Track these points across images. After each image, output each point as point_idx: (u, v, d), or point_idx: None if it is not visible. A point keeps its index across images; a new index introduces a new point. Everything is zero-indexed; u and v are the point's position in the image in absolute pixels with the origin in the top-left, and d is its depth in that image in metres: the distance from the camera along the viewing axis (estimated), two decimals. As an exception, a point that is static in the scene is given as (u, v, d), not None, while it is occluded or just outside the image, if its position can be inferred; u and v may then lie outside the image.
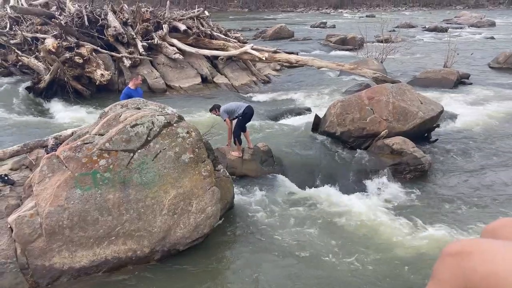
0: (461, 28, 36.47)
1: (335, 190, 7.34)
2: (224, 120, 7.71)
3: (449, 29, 32.88)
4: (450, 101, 12.51)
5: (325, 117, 9.28)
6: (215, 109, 7.76)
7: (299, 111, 11.48)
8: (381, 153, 8.08)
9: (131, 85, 7.76)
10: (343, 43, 25.34)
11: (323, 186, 7.44)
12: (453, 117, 11.00)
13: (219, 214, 5.61)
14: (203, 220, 5.31)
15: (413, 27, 37.43)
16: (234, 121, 7.76)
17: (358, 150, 8.41)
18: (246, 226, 6.07)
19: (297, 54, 18.79)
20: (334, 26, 38.10)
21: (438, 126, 9.54)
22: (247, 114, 7.67)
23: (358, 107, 8.79)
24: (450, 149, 9.14)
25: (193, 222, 5.23)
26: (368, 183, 7.54)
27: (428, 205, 6.91)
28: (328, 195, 7.13)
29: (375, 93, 8.97)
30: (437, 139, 9.40)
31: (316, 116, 9.51)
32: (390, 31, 26.94)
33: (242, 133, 7.81)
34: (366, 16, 52.32)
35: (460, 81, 15.16)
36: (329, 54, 23.19)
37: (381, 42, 20.39)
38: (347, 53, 23.34)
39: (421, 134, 9.15)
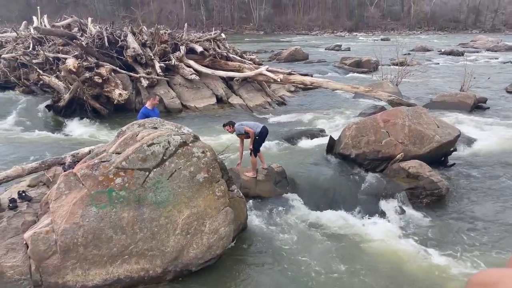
0: (477, 52, 36.29)
1: (349, 213, 7.23)
2: (245, 133, 7.55)
3: (465, 53, 32.76)
4: (467, 125, 12.37)
5: (339, 139, 9.24)
6: (229, 125, 7.67)
7: (313, 133, 11.46)
8: (396, 176, 7.97)
9: (148, 104, 7.88)
10: (358, 65, 25.42)
11: (337, 208, 7.34)
12: (470, 141, 10.84)
13: (232, 235, 5.58)
14: (216, 241, 5.28)
15: (428, 50, 37.40)
16: (247, 140, 7.78)
17: (373, 173, 8.33)
18: (259, 248, 6.00)
19: (312, 76, 18.91)
20: (349, 49, 38.32)
21: (455, 150, 9.41)
22: (263, 134, 7.70)
23: (373, 129, 8.74)
24: (468, 174, 8.97)
25: (206, 242, 5.20)
26: (383, 206, 7.42)
27: (446, 231, 6.74)
28: (342, 218, 7.03)
29: (391, 116, 8.92)
30: (454, 164, 9.25)
31: (331, 138, 9.47)
32: (405, 54, 26.97)
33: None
34: (381, 39, 52.55)
35: (477, 105, 15.00)
36: (344, 76, 23.26)
37: (396, 65, 20.41)
38: (362, 75, 23.37)
39: (438, 158, 9.02)
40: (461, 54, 33.02)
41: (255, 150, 7.63)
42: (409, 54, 29.03)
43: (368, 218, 7.08)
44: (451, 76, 22.44)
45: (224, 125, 7.81)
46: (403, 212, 7.29)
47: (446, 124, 9.32)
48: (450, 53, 34.27)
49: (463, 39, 50.79)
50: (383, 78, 18.52)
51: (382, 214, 7.25)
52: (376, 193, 7.69)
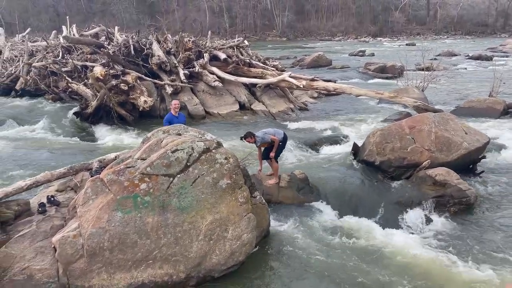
0: (506, 56, 35.26)
1: (374, 221, 7.12)
2: (269, 142, 7.46)
3: (494, 58, 31.88)
4: (496, 131, 12.00)
5: (363, 145, 9.14)
6: (250, 136, 7.37)
7: (336, 139, 11.37)
8: (423, 184, 7.80)
9: (172, 111, 7.99)
10: (383, 71, 25.11)
11: (361, 216, 7.23)
12: (500, 148, 10.51)
13: (254, 242, 5.58)
14: (238, 247, 5.29)
15: (455, 55, 36.58)
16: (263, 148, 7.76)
17: (398, 181, 8.19)
18: (281, 255, 5.97)
19: (335, 82, 18.79)
20: (373, 54, 37.92)
21: (484, 157, 9.14)
22: (285, 140, 7.73)
23: (398, 136, 8.60)
24: (497, 182, 8.69)
25: (228, 248, 5.22)
26: (409, 215, 7.26)
27: (475, 240, 6.53)
28: (366, 226, 6.92)
29: (417, 122, 8.76)
30: (483, 171, 8.98)
31: (355, 145, 9.38)
32: (431, 59, 26.47)
33: (267, 159, 7.83)
34: (406, 44, 51.76)
35: (507, 111, 14.53)
36: (368, 82, 23.03)
37: (422, 70, 20.04)
38: (386, 81, 23.07)
39: (466, 165, 8.78)
40: (489, 58, 32.16)
41: (276, 157, 7.62)
42: (435, 59, 28.44)
43: (393, 227, 6.94)
44: (479, 81, 21.86)
45: (244, 138, 7.41)
46: (429, 221, 7.12)
47: (474, 131, 9.08)
48: (478, 58, 33.42)
49: (491, 43, 49.48)
50: (408, 84, 18.23)
51: (408, 223, 7.10)
52: (402, 201, 7.55)
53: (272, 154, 7.52)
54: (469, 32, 70.81)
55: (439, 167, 7.96)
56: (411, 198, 7.55)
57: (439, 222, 7.09)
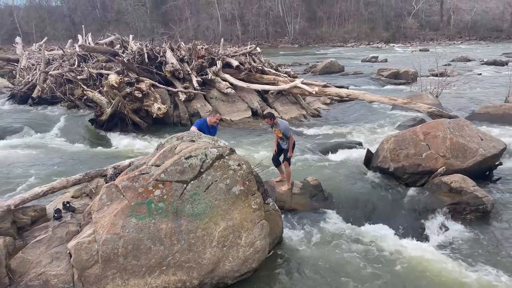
0: (523, 61, 34.69)
1: (388, 228, 7.01)
2: (288, 137, 7.37)
3: (510, 63, 31.39)
4: (513, 137, 11.79)
5: (377, 152, 9.07)
6: (270, 117, 7.30)
7: (349, 146, 11.30)
8: (438, 191, 7.69)
9: (208, 120, 7.28)
10: (396, 77, 24.95)
11: (375, 224, 7.15)
12: (517, 154, 10.32)
13: (267, 249, 5.55)
14: (252, 254, 5.27)
15: (470, 60, 36.12)
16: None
17: (413, 188, 8.10)
18: (295, 263, 5.94)
19: (348, 88, 18.72)
20: (385, 60, 37.68)
21: (500, 164, 8.97)
22: (293, 146, 7.68)
23: (413, 142, 8.52)
24: (515, 189, 8.53)
25: (242, 255, 5.21)
26: (424, 222, 7.15)
27: (492, 249, 6.40)
28: (380, 234, 6.84)
29: (431, 128, 8.67)
30: (499, 178, 8.82)
31: (368, 151, 9.31)
32: (445, 65, 26.22)
33: (277, 165, 7.86)
34: (419, 50, 51.28)
35: (524, 117, 14.27)
36: (381, 88, 22.90)
37: (436, 76, 19.85)
38: (400, 87, 22.92)
39: (482, 172, 8.64)
40: (505, 64, 31.68)
41: (289, 160, 7.60)
42: (449, 64, 28.13)
43: (408, 235, 6.85)
44: (494, 87, 21.55)
45: (264, 117, 7.75)
46: (445, 229, 7.00)
47: (490, 137, 8.94)
48: (493, 63, 32.94)
49: (506, 48, 48.75)
50: (422, 90, 18.07)
51: (423, 231, 7.00)
52: (416, 208, 7.45)
53: (290, 154, 7.49)
54: (483, 37, 69.94)
55: (455, 174, 7.85)
56: (426, 206, 7.45)
57: (455, 230, 6.97)
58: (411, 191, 7.98)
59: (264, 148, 11.08)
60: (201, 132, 6.45)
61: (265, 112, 7.54)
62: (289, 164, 7.63)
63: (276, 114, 15.48)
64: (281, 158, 7.72)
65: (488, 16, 71.00)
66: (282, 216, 6.52)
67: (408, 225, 7.14)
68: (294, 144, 7.61)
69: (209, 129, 7.18)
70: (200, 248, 5.03)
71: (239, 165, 5.36)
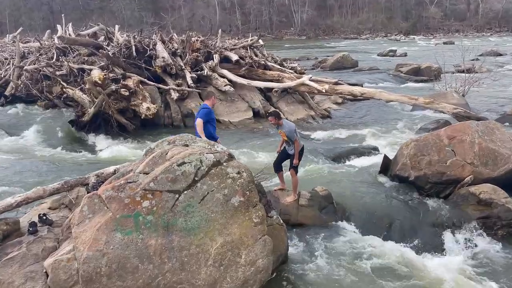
0: (561, 55, 34.73)
1: (408, 245, 7.02)
2: (293, 141, 7.39)
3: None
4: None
5: (396, 158, 9.07)
6: (275, 116, 7.38)
7: (364, 151, 11.30)
8: (465, 203, 7.68)
9: (209, 103, 7.73)
10: (417, 73, 24.98)
11: (393, 240, 7.15)
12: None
13: (271, 268, 5.53)
14: (252, 275, 5.26)
15: (500, 54, 36.17)
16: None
17: (436, 199, 8.09)
18: (301, 284, 5.92)
19: (362, 86, 18.73)
20: (405, 55, 37.76)
21: (536, 172, 8.96)
22: (302, 152, 7.68)
23: (436, 147, 8.51)
24: (553, 201, 8.49)
25: (241, 276, 5.19)
26: (448, 239, 7.14)
27: (527, 269, 6.38)
28: (399, 251, 6.82)
29: (457, 132, 8.67)
30: (535, 188, 8.80)
31: (385, 157, 9.31)
32: (472, 60, 26.21)
33: (277, 170, 7.87)
34: (444, 43, 51.42)
35: None
36: (399, 86, 22.92)
37: (463, 72, 19.86)
38: (421, 85, 22.96)
39: (515, 181, 8.62)
40: (541, 58, 31.69)
41: (295, 168, 7.59)
42: (477, 59, 28.16)
43: (431, 252, 6.84)
44: (529, 84, 21.55)
45: (269, 115, 7.68)
46: (473, 245, 6.99)
47: (524, 142, 8.92)
48: (528, 57, 32.99)
49: (543, 40, 48.78)
50: (446, 88, 18.06)
51: (448, 248, 6.99)
52: (440, 222, 7.43)
53: (296, 162, 7.48)
54: (516, 28, 70.06)
55: (484, 184, 7.83)
56: (451, 219, 7.43)
57: (484, 247, 6.94)
58: (434, 203, 7.95)
59: (267, 153, 11.07)
60: (194, 136, 6.46)
61: (270, 111, 7.55)
62: (296, 172, 7.63)
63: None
64: (284, 163, 7.72)
65: (521, 4, 71.16)
66: (288, 231, 6.50)
67: (430, 241, 7.12)
68: (302, 151, 7.60)
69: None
70: (194, 267, 5.02)
71: (238, 172, 5.36)
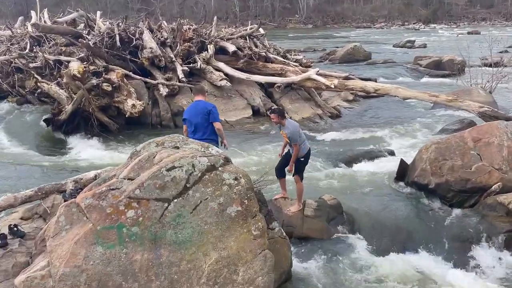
0: None
1: (428, 263, 7.03)
2: (294, 145, 7.37)
3: None
4: None
5: (414, 163, 9.08)
6: (278, 114, 7.39)
7: (378, 155, 11.31)
8: (492, 214, 7.68)
9: (204, 99, 7.85)
10: (438, 67, 25.03)
11: (411, 256, 7.17)
12: None
13: (272, 287, 5.53)
14: (251, 294, 5.25)
15: (533, 46, 36.22)
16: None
17: (460, 209, 8.09)
18: (307, 305, 5.93)
19: (376, 81, 18.75)
20: (424, 46, 37.82)
21: None
22: (308, 155, 7.70)
23: (459, 151, 8.52)
24: None
25: (238, 296, 5.18)
26: (474, 254, 7.15)
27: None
28: (417, 268, 6.84)
29: (483, 134, 8.67)
30: None
31: (402, 162, 9.32)
32: (501, 52, 26.24)
33: (280, 176, 7.85)
34: (468, 32, 51.50)
35: None
36: (418, 81, 23.00)
37: (490, 66, 19.87)
38: (442, 80, 23.02)
39: (549, 190, 8.63)
40: None
41: (300, 173, 7.58)
42: (506, 51, 28.18)
43: (454, 269, 6.84)
44: None
45: (271, 112, 7.67)
46: (502, 262, 6.99)
47: (560, 145, 8.93)
48: None
49: None
50: (471, 84, 18.07)
51: (472, 264, 6.99)
52: (464, 236, 7.44)
53: (289, 167, 7.50)
54: (551, 16, 70.21)
55: (514, 192, 7.85)
56: (476, 232, 7.43)
57: (515, 264, 6.96)
58: (458, 213, 7.96)
59: (268, 157, 11.09)
60: (186, 137, 6.46)
61: (272, 107, 7.56)
62: (301, 179, 7.62)
63: (283, 113, 15.52)
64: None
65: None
66: (291, 245, 6.50)
67: (454, 256, 7.13)
68: (308, 154, 7.63)
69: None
70: (185, 286, 5.01)
71: (236, 179, 5.35)
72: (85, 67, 13.57)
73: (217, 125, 7.42)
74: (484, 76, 18.37)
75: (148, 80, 14.99)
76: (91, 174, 7.09)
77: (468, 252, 7.19)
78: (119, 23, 16.98)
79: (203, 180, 5.20)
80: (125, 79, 14.10)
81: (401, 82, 21.21)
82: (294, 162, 7.45)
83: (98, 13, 19.41)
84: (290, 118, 14.93)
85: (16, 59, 16.35)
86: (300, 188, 7.63)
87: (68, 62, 14.56)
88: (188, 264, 5.04)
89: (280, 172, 7.86)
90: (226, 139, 7.74)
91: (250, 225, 5.34)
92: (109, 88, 13.41)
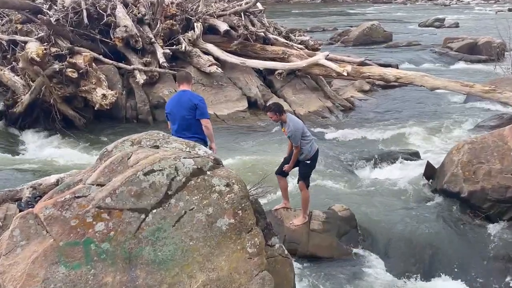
0: None
1: (460, 285, 7.05)
2: (295, 147, 7.42)
3: None
4: None
5: (443, 167, 9.10)
6: (276, 111, 7.44)
7: (399, 157, 11.31)
8: (537, 228, 7.73)
9: (189, 89, 7.73)
10: (472, 51, 25.07)
11: (440, 278, 7.19)
12: None
13: (271, 316, 5.53)
14: (246, 325, 5.25)
15: None
16: None
17: (498, 222, 8.13)
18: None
19: (397, 67, 18.74)
20: (456, 25, 37.83)
21: None
22: (315, 157, 7.70)
23: (498, 152, 8.54)
24: None
25: (231, 327, 5.19)
26: (515, 277, 7.18)
27: None
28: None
29: (527, 131, 8.70)
30: None
31: (429, 165, 9.35)
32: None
33: (281, 184, 7.88)
34: (509, 9, 51.59)
35: None
36: (449, 68, 23.04)
37: (535, 49, 19.89)
38: (478, 66, 23.08)
39: None
40: None
41: (306, 179, 7.58)
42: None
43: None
44: None
45: (267, 109, 7.75)
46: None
47: None
48: None
49: None
50: (513, 71, 18.12)
51: (514, 289, 7.02)
52: (503, 255, 7.48)
53: (287, 167, 7.56)
54: None
55: None
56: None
57: None
58: (496, 228, 7.99)
59: (267, 159, 11.05)
60: (167, 134, 6.44)
61: (268, 103, 7.51)
62: (307, 186, 7.61)
63: (286, 106, 15.45)
64: (293, 172, 7.71)
65: None
66: (295, 265, 6.50)
67: (491, 279, 7.16)
68: (316, 155, 7.63)
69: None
70: (166, 314, 5.01)
71: (228, 185, 5.34)
72: (45, 49, 13.50)
73: (205, 122, 7.30)
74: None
75: (122, 65, 14.94)
76: (52, 178, 7.07)
77: (507, 274, 7.21)
78: (87, -5, 16.91)
79: (188, 186, 5.19)
80: (94, 64, 14.04)
81: (428, 69, 21.21)
82: (293, 163, 7.51)
83: (62, -17, 19.33)
84: (294, 112, 15.01)
85: (-39, 39, 16.30)
86: (306, 196, 7.62)
87: (25, 43, 14.51)
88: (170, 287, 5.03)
89: (280, 172, 7.82)
90: (216, 140, 7.59)
91: (244, 241, 5.33)
92: (75, 75, 13.34)
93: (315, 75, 16.48)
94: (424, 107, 16.40)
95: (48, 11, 15.99)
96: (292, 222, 7.65)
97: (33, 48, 13.44)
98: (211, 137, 7.41)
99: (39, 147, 12.66)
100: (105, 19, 15.56)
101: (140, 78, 14.56)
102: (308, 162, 7.57)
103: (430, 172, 9.28)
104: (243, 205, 5.37)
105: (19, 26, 16.05)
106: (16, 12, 16.71)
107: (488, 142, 8.77)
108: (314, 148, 7.59)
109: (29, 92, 13.17)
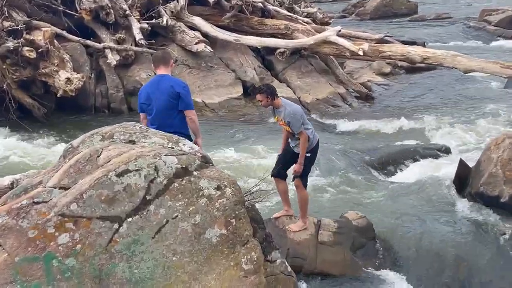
0: None
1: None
2: (298, 133, 7.33)
3: None
4: None
5: (478, 166, 9.13)
6: (266, 93, 7.35)
7: (426, 154, 11.35)
8: None
9: (169, 73, 7.56)
10: (514, 25, 25.14)
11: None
12: None
13: None
14: None
15: None
16: None
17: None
18: None
19: (424, 46, 18.74)
20: (495, -6, 37.92)
21: None
22: (316, 149, 7.67)
23: (545, 149, 8.57)
24: None
25: None
26: None
27: None
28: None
29: None
30: None
31: (462, 165, 9.36)
32: None
33: (279, 177, 7.81)
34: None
35: None
36: (486, 45, 23.10)
37: None
38: (521, 44, 23.08)
39: None
40: None
41: (304, 176, 7.57)
42: None
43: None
44: None
45: (256, 91, 7.69)
46: None
47: None
48: None
49: None
50: None
51: None
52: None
53: (297, 168, 7.44)
54: None
55: None
56: None
57: None
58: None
59: (266, 156, 11.06)
60: (145, 126, 6.42)
61: (258, 85, 7.33)
62: (305, 185, 7.60)
63: (289, 92, 15.45)
64: (290, 170, 7.70)
65: None
66: (300, 284, 6.52)
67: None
68: (317, 147, 7.63)
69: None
70: None
71: (218, 188, 5.35)
72: (-3, 23, 13.53)
73: (189, 114, 7.13)
74: None
75: (90, 42, 14.95)
76: (6, 180, 7.08)
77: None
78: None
79: (170, 189, 5.19)
80: (56, 42, 14.04)
81: (461, 47, 21.25)
82: (303, 158, 7.37)
83: None
84: (299, 100, 15.00)
85: None
86: (304, 196, 7.57)
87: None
88: (149, 312, 5.05)
89: (277, 172, 7.73)
90: (204, 135, 7.48)
91: (239, 255, 5.34)
92: (33, 55, 13.33)
93: (325, 55, 16.51)
94: (456, 94, 16.42)
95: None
96: (290, 227, 7.61)
97: (-18, 22, 13.43)
98: (197, 131, 7.24)
99: (-11, 143, 12.68)
100: (70, -13, 15.57)
101: (112, 58, 14.55)
102: (308, 154, 7.43)
103: (463, 172, 9.28)
104: (237, 212, 5.38)
105: (-35, -4, 16.05)
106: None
107: (534, 136, 8.82)
108: (315, 138, 7.52)
109: (-22, 76, 13.18)
